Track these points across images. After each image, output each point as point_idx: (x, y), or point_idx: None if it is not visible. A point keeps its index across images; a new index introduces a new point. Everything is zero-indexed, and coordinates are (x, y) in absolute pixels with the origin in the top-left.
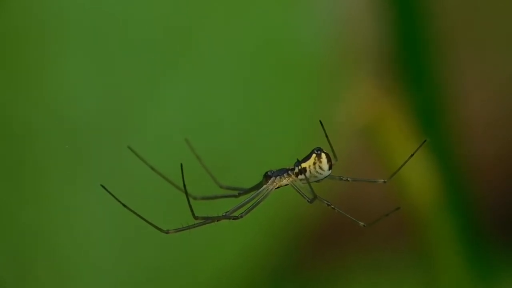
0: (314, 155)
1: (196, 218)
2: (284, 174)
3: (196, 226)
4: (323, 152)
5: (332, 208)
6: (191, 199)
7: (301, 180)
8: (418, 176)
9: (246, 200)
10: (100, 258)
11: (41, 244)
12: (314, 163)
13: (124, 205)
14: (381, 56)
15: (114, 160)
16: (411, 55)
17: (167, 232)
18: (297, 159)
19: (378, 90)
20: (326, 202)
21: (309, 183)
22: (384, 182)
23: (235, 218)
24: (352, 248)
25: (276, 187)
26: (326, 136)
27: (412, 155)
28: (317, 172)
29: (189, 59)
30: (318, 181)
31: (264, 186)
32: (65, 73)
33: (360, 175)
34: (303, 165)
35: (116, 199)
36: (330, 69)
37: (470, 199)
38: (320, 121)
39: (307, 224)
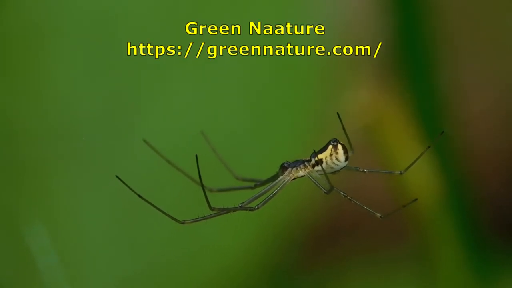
0: (330, 146)
1: (212, 209)
2: (301, 165)
3: (212, 217)
4: (340, 143)
5: (349, 199)
6: (207, 191)
7: (317, 171)
8: (419, 176)
9: (262, 191)
10: (101, 256)
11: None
12: (331, 155)
13: (140, 196)
14: (382, 56)
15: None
16: (413, 55)
17: (183, 222)
18: (314, 150)
19: (379, 91)
20: (342, 193)
21: (325, 174)
22: (401, 173)
23: (252, 209)
24: (352, 248)
25: (293, 178)
26: (343, 128)
27: (429, 147)
28: (333, 163)
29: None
30: (334, 172)
31: (281, 177)
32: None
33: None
34: (320, 156)
35: (132, 190)
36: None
37: (472, 200)
38: (338, 114)
39: (309, 223)
